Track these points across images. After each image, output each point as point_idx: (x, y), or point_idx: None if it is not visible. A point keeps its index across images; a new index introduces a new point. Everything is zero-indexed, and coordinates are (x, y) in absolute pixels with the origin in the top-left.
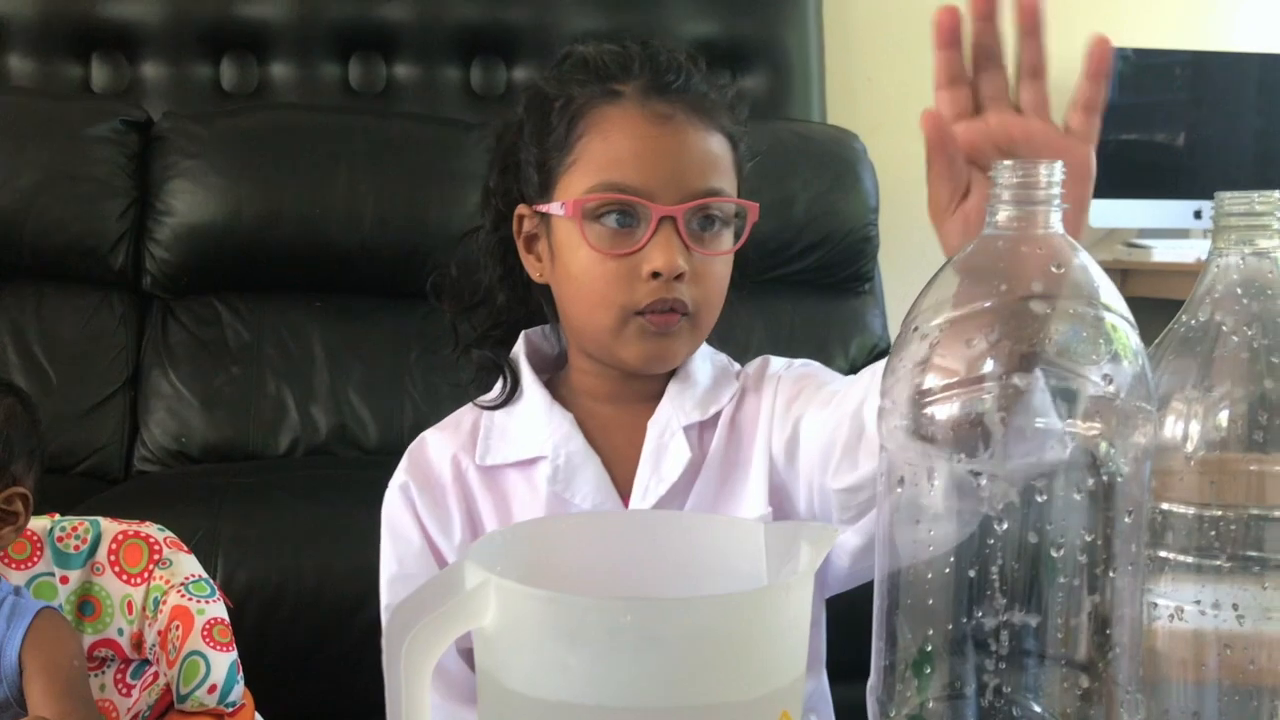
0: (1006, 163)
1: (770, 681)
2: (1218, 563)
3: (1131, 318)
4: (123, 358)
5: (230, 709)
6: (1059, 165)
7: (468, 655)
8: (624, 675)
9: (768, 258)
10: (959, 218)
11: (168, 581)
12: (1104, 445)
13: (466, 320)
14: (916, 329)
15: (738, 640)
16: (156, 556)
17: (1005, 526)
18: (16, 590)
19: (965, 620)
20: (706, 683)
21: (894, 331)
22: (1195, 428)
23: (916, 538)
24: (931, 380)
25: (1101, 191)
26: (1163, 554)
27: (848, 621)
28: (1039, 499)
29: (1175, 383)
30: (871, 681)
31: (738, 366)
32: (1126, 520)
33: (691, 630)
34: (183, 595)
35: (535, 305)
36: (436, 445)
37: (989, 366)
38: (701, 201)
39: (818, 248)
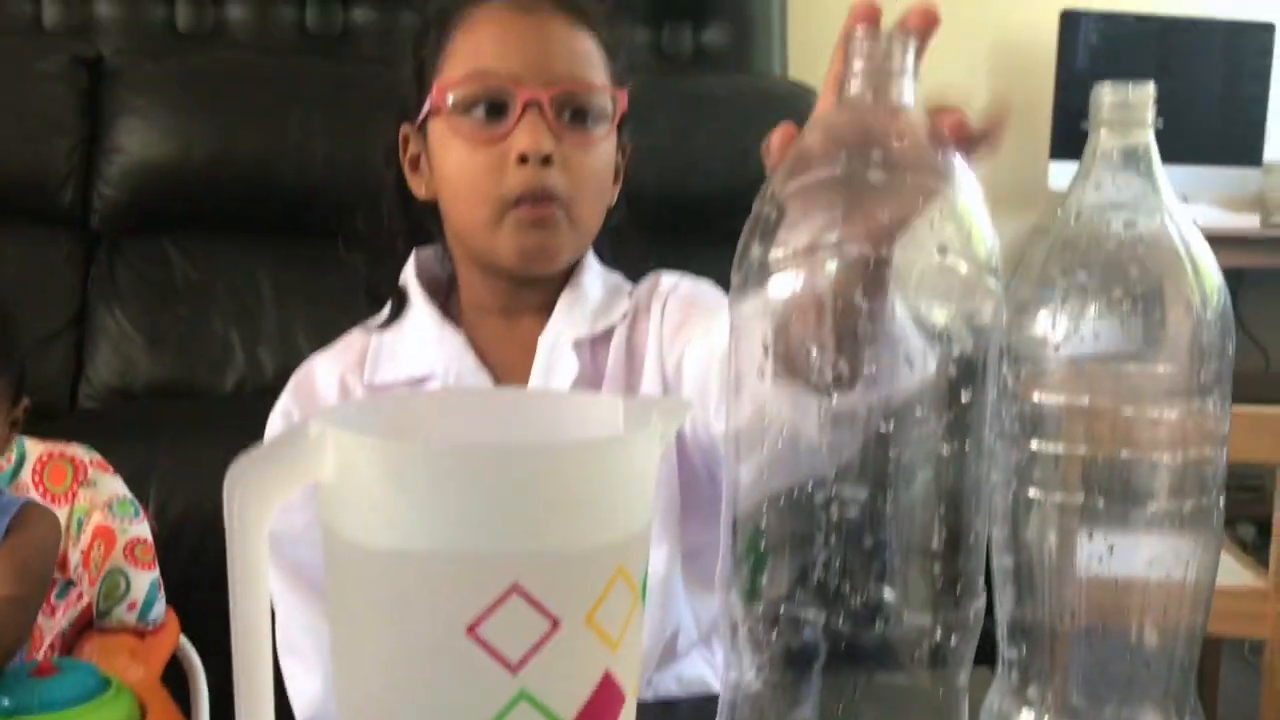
0: (859, 32)
1: (605, 534)
2: (1082, 453)
3: (980, 197)
4: (69, 295)
5: (151, 626)
6: (911, 40)
7: None
8: (451, 522)
9: (725, 210)
10: None
11: (92, 502)
12: (943, 316)
13: (379, 271)
14: (765, 198)
15: (568, 490)
16: (81, 477)
17: (834, 400)
18: None
19: (796, 494)
20: (536, 531)
21: None
22: (1065, 321)
23: (752, 408)
24: (776, 252)
25: (1064, 153)
26: (1034, 446)
27: None
28: (870, 370)
29: (1049, 276)
30: (719, 571)
31: (630, 285)
32: (964, 399)
33: (518, 478)
34: (106, 515)
35: (424, 234)
36: (323, 368)
37: (830, 236)
38: (569, 87)
39: None
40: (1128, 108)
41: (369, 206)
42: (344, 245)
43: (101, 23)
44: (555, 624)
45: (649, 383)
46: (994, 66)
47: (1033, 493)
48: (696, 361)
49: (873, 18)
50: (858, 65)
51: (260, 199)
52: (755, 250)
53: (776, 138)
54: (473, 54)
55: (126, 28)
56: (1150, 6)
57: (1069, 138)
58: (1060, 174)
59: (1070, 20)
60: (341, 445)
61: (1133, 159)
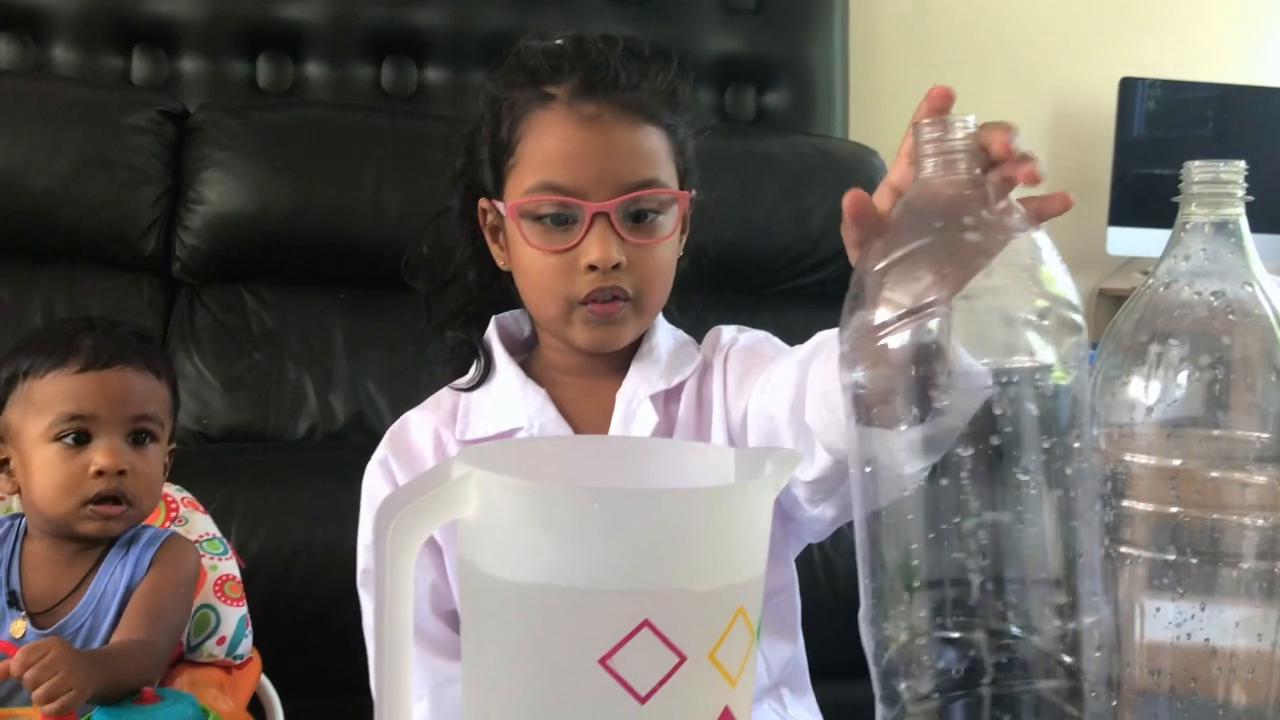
0: (926, 121)
1: (729, 576)
2: (1174, 510)
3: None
4: None
5: (238, 661)
6: (972, 118)
7: (447, 618)
8: (591, 560)
9: (785, 268)
10: None
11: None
12: (1044, 356)
13: (439, 298)
14: (866, 275)
15: (698, 533)
16: (173, 514)
17: (969, 448)
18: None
19: (944, 526)
20: (668, 571)
21: None
22: (1157, 386)
23: (891, 471)
24: (883, 314)
25: (1123, 219)
26: (1125, 504)
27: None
28: (995, 411)
29: (1141, 342)
30: (863, 610)
31: (695, 341)
32: (1073, 436)
33: (654, 520)
34: None
35: (503, 287)
36: (418, 423)
37: (933, 294)
38: (632, 195)
39: (834, 260)
40: (1219, 183)
41: (434, 239)
42: (406, 270)
43: (187, 78)
44: (681, 659)
45: (717, 432)
46: (1053, 134)
47: (1123, 550)
48: (759, 415)
49: (943, 106)
50: (928, 148)
51: (335, 250)
52: (861, 317)
53: (849, 203)
54: (541, 165)
55: (210, 83)
56: (1208, 74)
57: (1128, 204)
58: (1119, 239)
59: (1128, 87)
60: (486, 485)
61: (1223, 232)
